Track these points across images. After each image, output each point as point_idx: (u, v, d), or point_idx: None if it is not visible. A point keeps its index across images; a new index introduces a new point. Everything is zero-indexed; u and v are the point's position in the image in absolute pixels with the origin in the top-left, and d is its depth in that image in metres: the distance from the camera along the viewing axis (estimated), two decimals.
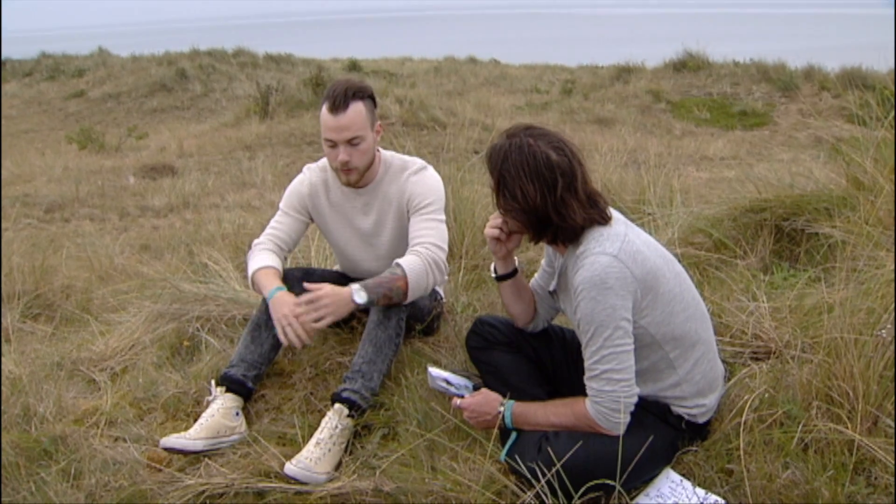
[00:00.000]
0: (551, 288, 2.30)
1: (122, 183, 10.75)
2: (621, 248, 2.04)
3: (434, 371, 2.47)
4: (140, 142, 14.23)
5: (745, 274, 2.98)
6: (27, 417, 2.82)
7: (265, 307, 2.73)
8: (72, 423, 2.78)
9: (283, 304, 2.49)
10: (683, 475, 2.18)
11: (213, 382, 2.66)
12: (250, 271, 2.74)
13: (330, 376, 2.83)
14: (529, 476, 1.98)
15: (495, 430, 2.33)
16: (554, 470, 1.94)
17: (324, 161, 2.89)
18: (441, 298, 3.05)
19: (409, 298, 2.59)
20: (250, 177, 11.34)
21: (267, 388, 2.81)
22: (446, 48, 29.36)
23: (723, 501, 2.07)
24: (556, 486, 1.96)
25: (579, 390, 2.32)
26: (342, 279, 3.01)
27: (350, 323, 3.02)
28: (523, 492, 2.09)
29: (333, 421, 2.43)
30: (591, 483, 1.95)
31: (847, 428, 2.11)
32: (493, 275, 2.47)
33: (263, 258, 2.76)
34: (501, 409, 2.24)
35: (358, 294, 2.48)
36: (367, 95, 2.66)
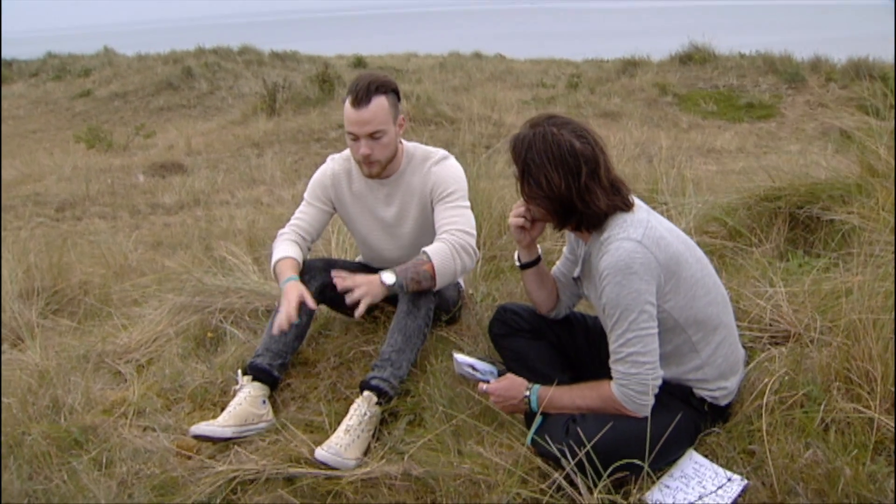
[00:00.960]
0: (575, 275, 2.34)
1: (132, 181, 10.82)
2: (645, 233, 2.08)
3: (460, 357, 2.51)
4: (148, 140, 14.30)
5: (762, 261, 3.01)
6: (56, 409, 2.88)
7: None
8: (100, 414, 2.83)
9: (290, 291, 2.59)
10: (706, 456, 2.22)
11: (239, 372, 2.70)
12: (273, 261, 2.80)
13: (354, 365, 2.88)
14: (559, 456, 2.01)
15: (521, 415, 2.39)
16: (584, 451, 1.97)
17: (347, 151, 2.93)
18: (462, 289, 3.09)
19: (440, 283, 2.62)
20: (259, 174, 11.41)
21: (292, 377, 2.85)
22: (451, 44, 29.35)
23: (746, 481, 2.11)
24: (586, 466, 1.99)
25: (602, 375, 2.36)
26: (364, 270, 3.05)
27: (373, 313, 3.07)
28: (550, 474, 2.13)
29: (362, 408, 2.48)
30: (620, 463, 1.99)
31: (867, 408, 2.15)
32: (517, 263, 2.51)
33: (285, 248, 2.81)
34: (527, 393, 2.28)
35: (386, 276, 2.53)
36: (390, 90, 2.70)
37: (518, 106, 15.43)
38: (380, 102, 2.65)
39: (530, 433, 2.27)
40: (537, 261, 2.49)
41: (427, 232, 2.90)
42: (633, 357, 2.07)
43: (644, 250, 2.05)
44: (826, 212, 3.18)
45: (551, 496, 2.05)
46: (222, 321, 3.28)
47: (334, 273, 2.51)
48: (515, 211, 2.36)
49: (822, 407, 2.19)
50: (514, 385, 2.32)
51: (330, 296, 2.94)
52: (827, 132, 13.04)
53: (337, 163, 2.96)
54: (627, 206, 2.16)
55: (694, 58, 17.87)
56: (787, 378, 2.30)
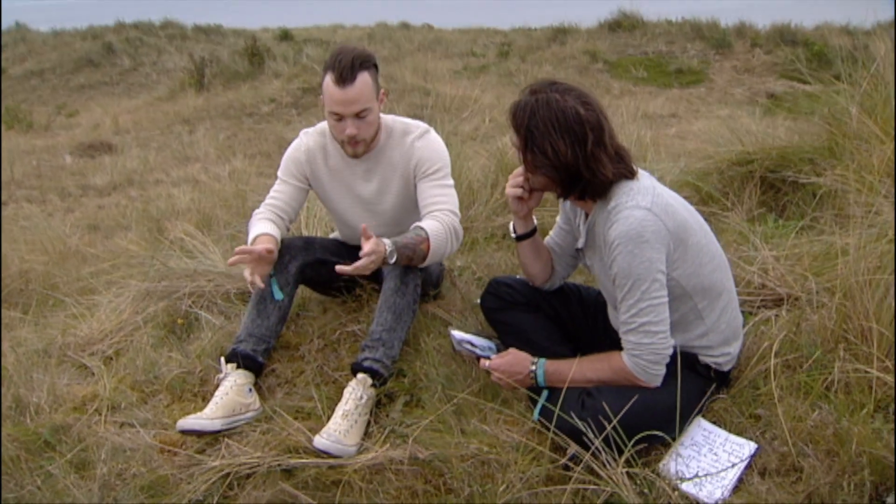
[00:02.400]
0: (579, 245, 2.28)
1: (59, 162, 10.31)
2: (653, 201, 2.04)
3: (457, 334, 2.44)
4: (71, 119, 13.64)
5: (742, 225, 3.02)
6: (20, 409, 2.68)
7: (268, 279, 2.65)
8: (71, 412, 2.65)
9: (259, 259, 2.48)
10: (714, 422, 2.22)
11: (222, 360, 2.57)
12: (249, 238, 2.65)
13: (340, 347, 2.78)
14: (583, 431, 1.96)
15: (522, 390, 2.34)
16: (612, 425, 1.93)
17: (322, 125, 2.79)
18: (443, 264, 3.01)
19: (427, 263, 2.53)
20: (193, 151, 11.05)
21: (276, 361, 2.73)
22: (378, 14, 28.86)
23: (756, 445, 2.12)
24: (612, 439, 1.95)
25: (599, 346, 2.34)
26: (342, 248, 2.94)
27: (354, 291, 2.96)
28: (561, 449, 2.09)
29: (358, 391, 2.38)
30: (642, 434, 1.96)
31: (867, 367, 2.18)
32: (513, 234, 2.44)
33: (260, 227, 2.67)
34: (533, 367, 2.23)
35: (389, 244, 2.38)
36: (372, 64, 2.56)
37: (450, 75, 15.28)
38: (364, 79, 2.50)
39: (537, 408, 2.23)
40: (533, 232, 2.43)
41: (408, 209, 2.80)
42: (646, 327, 2.03)
43: (654, 218, 2.01)
44: (799, 175, 3.22)
45: (574, 472, 2.01)
46: (192, 306, 3.12)
47: (338, 269, 2.34)
48: (513, 181, 2.29)
49: (824, 368, 2.21)
50: (518, 360, 2.27)
51: (310, 275, 2.83)
52: (755, 97, 13.40)
53: (311, 137, 2.81)
54: (632, 174, 2.11)
55: (623, 25, 18.00)
56: (787, 341, 2.31)
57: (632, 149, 4.35)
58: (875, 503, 1.93)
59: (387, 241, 2.40)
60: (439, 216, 2.57)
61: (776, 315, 2.50)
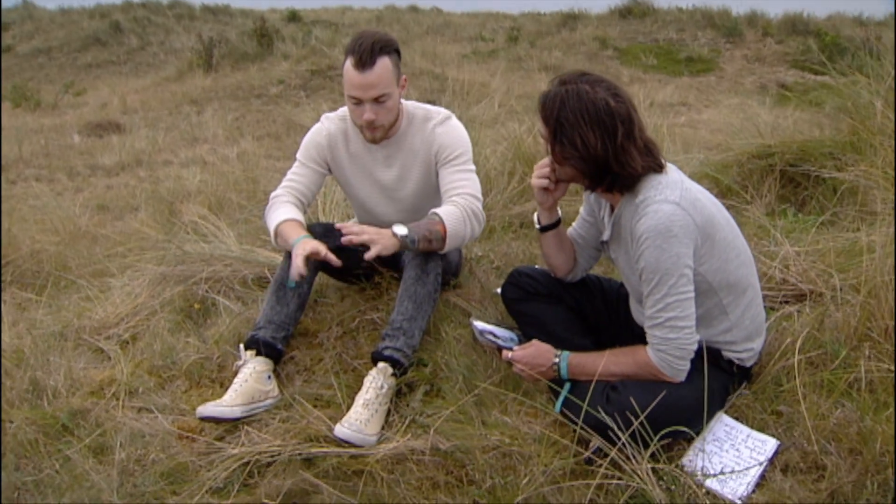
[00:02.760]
0: (605, 237, 2.26)
1: (67, 141, 10.29)
2: (682, 195, 2.02)
3: (479, 324, 2.43)
4: (78, 98, 13.60)
5: (762, 219, 3.00)
6: (37, 392, 2.69)
7: (288, 265, 2.64)
8: (88, 396, 2.65)
9: (311, 242, 2.43)
10: (736, 418, 2.21)
11: (241, 346, 2.56)
12: (273, 224, 2.62)
13: (359, 334, 2.76)
14: (611, 426, 1.95)
15: (544, 382, 2.33)
16: (639, 420, 1.92)
17: (343, 110, 2.77)
18: (462, 252, 3.00)
19: (449, 246, 2.51)
20: (201, 132, 11.04)
21: (294, 349, 2.72)
22: None
23: (778, 442, 2.11)
24: (637, 434, 1.94)
25: (621, 338, 2.33)
26: None
27: (374, 279, 2.95)
28: (584, 442, 2.09)
29: (378, 380, 2.37)
30: (669, 430, 1.95)
31: (892, 366, 2.16)
32: (537, 226, 2.42)
33: (286, 210, 2.64)
34: (556, 359, 2.22)
35: (398, 227, 2.40)
36: (392, 49, 2.53)
37: (458, 60, 15.23)
38: (384, 64, 2.48)
39: (559, 401, 2.22)
40: (558, 223, 2.41)
41: (428, 195, 2.78)
42: (672, 322, 2.02)
43: (683, 213, 1.99)
44: (820, 169, 3.19)
45: (598, 466, 2.00)
46: (208, 291, 3.11)
47: (344, 229, 2.35)
48: (539, 172, 2.26)
49: (848, 366, 2.20)
50: (540, 352, 2.26)
51: (328, 266, 2.81)
52: (765, 86, 13.32)
53: (332, 122, 2.79)
54: (660, 167, 2.09)
55: (633, 11, 17.94)
56: (810, 338, 2.30)
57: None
58: None
59: (401, 227, 2.39)
60: (457, 200, 2.56)
61: (798, 311, 2.49)
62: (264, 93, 13.07)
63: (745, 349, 2.22)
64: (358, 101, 2.53)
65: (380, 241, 2.34)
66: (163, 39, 18.93)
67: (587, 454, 2.04)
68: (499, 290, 2.95)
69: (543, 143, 2.16)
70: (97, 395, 2.65)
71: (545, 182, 2.25)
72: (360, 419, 2.26)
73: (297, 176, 2.77)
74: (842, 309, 2.33)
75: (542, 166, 2.25)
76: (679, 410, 2.00)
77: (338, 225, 2.41)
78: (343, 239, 2.35)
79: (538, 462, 2.06)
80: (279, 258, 3.26)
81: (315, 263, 2.69)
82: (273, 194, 2.74)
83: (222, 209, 5.06)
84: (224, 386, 2.60)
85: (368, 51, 2.44)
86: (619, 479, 1.88)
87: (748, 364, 2.25)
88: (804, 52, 14.60)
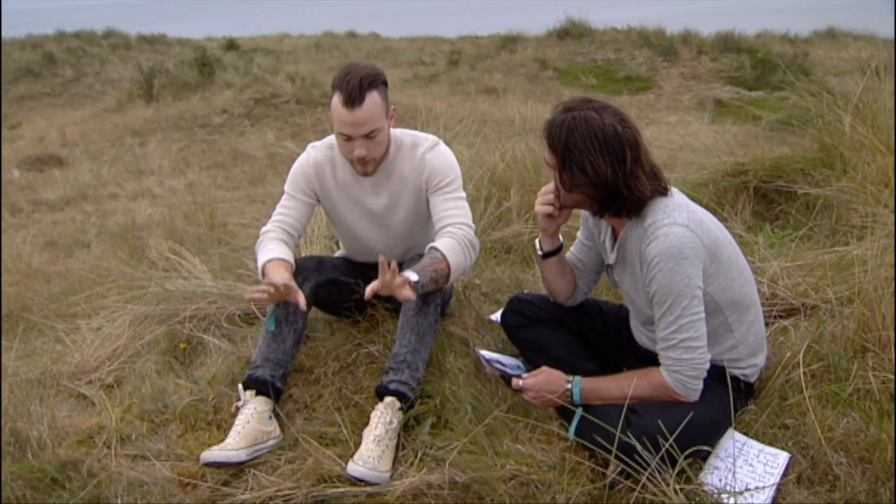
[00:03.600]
0: (611, 261, 2.28)
1: (6, 177, 9.91)
2: (689, 217, 2.06)
3: (486, 354, 2.42)
4: (14, 132, 13.15)
5: (745, 235, 3.08)
6: (20, 444, 2.54)
7: (272, 307, 2.59)
8: (76, 446, 2.52)
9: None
10: (745, 434, 2.24)
11: (240, 387, 2.49)
12: (260, 263, 2.57)
13: (357, 369, 2.71)
14: (643, 448, 1.95)
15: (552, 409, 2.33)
16: (669, 442, 1.93)
17: (329, 139, 2.74)
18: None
19: (451, 279, 2.50)
20: (146, 164, 10.85)
21: (291, 386, 2.65)
22: (324, 23, 28.80)
23: (788, 455, 2.14)
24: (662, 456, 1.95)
25: (624, 361, 2.36)
26: (351, 267, 2.89)
27: (366, 311, 2.91)
28: (602, 466, 2.09)
29: (387, 415, 2.33)
30: (694, 449, 1.97)
31: (891, 375, 2.23)
32: (540, 252, 2.43)
33: (273, 249, 2.59)
34: (569, 385, 2.22)
35: (410, 274, 2.34)
36: (380, 82, 2.51)
37: (401, 84, 15.30)
38: (373, 99, 2.46)
39: (572, 427, 2.21)
40: (559, 249, 2.42)
41: (419, 221, 2.77)
42: (686, 342, 2.04)
43: (692, 235, 2.02)
44: (792, 185, 3.29)
45: (620, 489, 2.00)
46: (193, 330, 3.02)
47: (368, 295, 2.28)
48: (543, 198, 2.28)
49: (849, 378, 2.26)
50: (552, 378, 2.26)
51: (323, 296, 2.77)
52: (703, 103, 13.75)
53: (319, 151, 2.76)
54: (666, 191, 2.13)
55: (571, 33, 18.30)
56: (809, 351, 2.35)
57: None
58: None
59: (411, 273, 2.37)
60: (453, 231, 2.55)
61: (792, 325, 2.55)
62: (208, 122, 12.88)
63: (749, 365, 2.26)
64: (348, 138, 2.51)
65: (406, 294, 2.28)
66: (98, 70, 18.49)
67: (612, 477, 2.04)
68: (493, 318, 2.96)
69: (548, 171, 2.17)
70: (86, 443, 2.53)
71: (549, 209, 2.26)
72: (372, 456, 2.22)
73: (285, 209, 2.72)
74: (838, 321, 2.40)
75: (546, 193, 2.27)
76: (699, 429, 2.02)
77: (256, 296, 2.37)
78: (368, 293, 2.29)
79: (559, 489, 2.05)
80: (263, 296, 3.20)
81: (310, 298, 2.64)
82: (263, 230, 2.69)
83: (183, 243, 4.96)
84: (221, 428, 2.52)
85: (357, 88, 2.42)
86: (652, 500, 1.88)
87: (752, 380, 2.30)
88: (738, 69, 15.15)
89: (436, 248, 2.49)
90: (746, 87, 14.63)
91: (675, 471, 1.92)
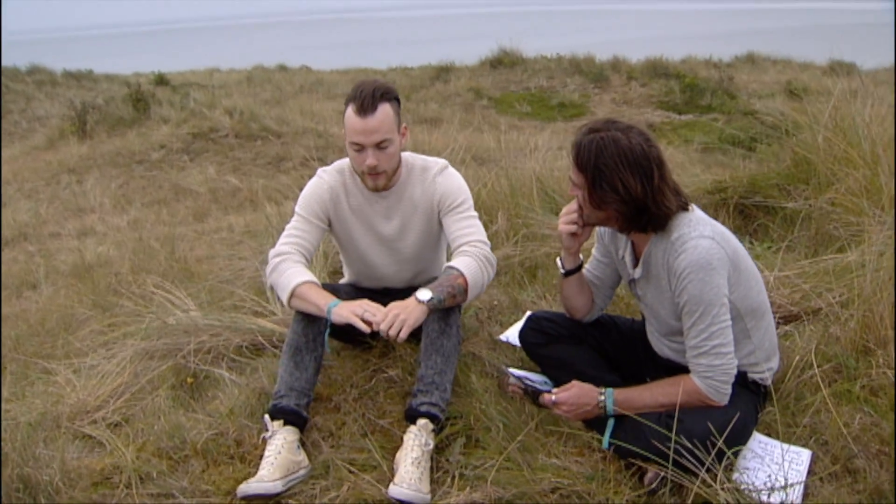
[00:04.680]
0: (636, 275, 2.36)
1: None
2: (713, 230, 2.16)
3: (516, 372, 2.46)
4: None
5: None
6: (30, 490, 2.44)
7: (301, 328, 2.58)
8: (92, 488, 2.44)
9: (355, 304, 2.42)
10: (767, 434, 2.34)
11: (266, 417, 2.46)
12: (289, 285, 2.53)
13: (378, 394, 2.72)
14: (691, 456, 2.01)
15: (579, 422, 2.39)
16: (719, 444, 2.00)
17: (339, 164, 2.78)
18: None
19: (470, 297, 2.55)
20: (86, 201, 10.58)
21: (313, 415, 2.63)
22: (254, 58, 28.73)
23: (810, 452, 2.25)
24: (702, 460, 2.02)
25: (645, 371, 2.43)
26: (358, 294, 2.90)
27: (380, 337, 2.91)
28: (639, 474, 2.16)
29: (421, 437, 2.34)
30: (735, 449, 2.05)
31: (889, 371, 2.38)
32: (562, 270, 2.50)
33: (301, 272, 2.58)
34: (602, 398, 2.28)
35: (422, 293, 2.43)
36: (393, 97, 2.58)
37: (337, 117, 15.31)
38: (385, 110, 2.53)
39: (606, 436, 2.27)
40: (580, 266, 2.50)
41: (429, 245, 2.82)
42: (717, 349, 2.14)
43: (718, 246, 2.12)
44: (769, 199, 3.47)
45: (661, 495, 2.07)
46: (199, 364, 2.96)
47: (373, 323, 2.36)
48: (567, 218, 2.35)
49: (857, 376, 2.40)
50: (584, 391, 2.32)
51: (340, 325, 2.76)
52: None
53: (331, 176, 2.77)
54: (687, 206, 2.23)
55: (504, 62, 18.68)
56: (818, 353, 2.48)
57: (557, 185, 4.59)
58: None
59: (425, 291, 2.43)
60: (468, 249, 2.61)
61: (795, 330, 2.68)
62: (146, 158, 12.62)
63: (766, 369, 2.37)
64: (360, 148, 2.55)
65: (410, 317, 2.36)
66: (24, 107, 17.90)
67: (654, 483, 2.10)
68: (503, 338, 3.01)
69: (574, 190, 2.25)
70: (104, 485, 2.44)
71: (574, 228, 2.34)
72: (413, 478, 2.22)
73: (300, 231, 2.71)
74: (840, 324, 2.54)
75: (570, 212, 2.34)
76: (733, 432, 2.11)
77: (367, 316, 2.39)
78: (381, 331, 2.35)
79: (603, 499, 2.10)
80: (268, 325, 3.17)
81: (332, 326, 2.64)
82: (277, 251, 2.66)
83: (136, 279, 4.87)
84: (245, 461, 2.48)
85: (370, 97, 2.49)
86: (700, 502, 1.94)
87: (768, 383, 2.40)
88: (667, 94, 15.72)
89: (452, 266, 2.54)
90: (676, 111, 15.14)
91: (721, 470, 2.00)
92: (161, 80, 21.65)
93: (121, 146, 13.01)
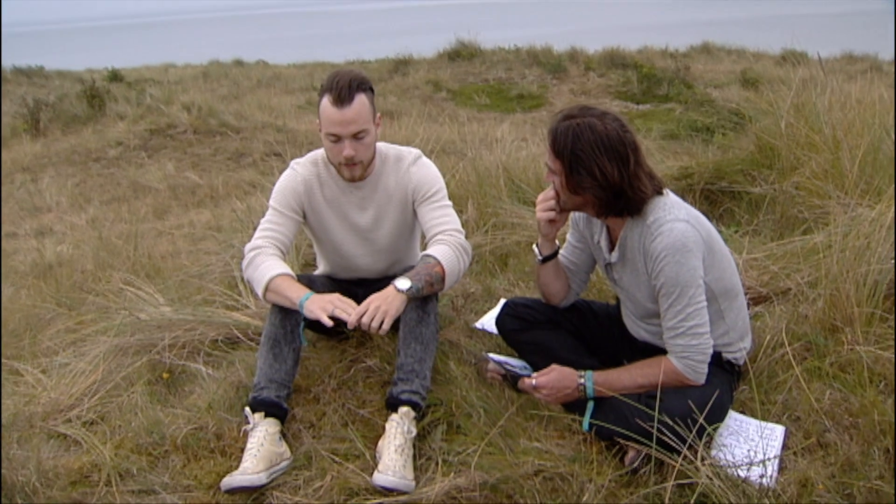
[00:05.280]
0: (612, 260, 2.40)
1: None
2: (688, 213, 2.21)
3: (495, 357, 2.48)
4: None
5: None
6: (7, 492, 2.40)
7: (279, 320, 2.57)
8: (70, 487, 2.40)
9: (327, 299, 2.40)
10: (741, 412, 2.41)
11: (247, 410, 2.45)
12: (264, 278, 2.52)
13: (356, 384, 2.72)
14: (672, 434, 2.05)
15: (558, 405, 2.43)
16: (697, 424, 2.05)
17: (312, 156, 2.77)
18: None
19: (447, 285, 2.56)
20: (42, 200, 10.35)
21: (293, 407, 2.62)
22: (209, 52, 28.36)
23: (784, 428, 2.32)
24: (683, 437, 2.07)
25: (621, 354, 2.48)
26: (336, 286, 2.90)
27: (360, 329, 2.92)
28: (621, 453, 2.20)
29: (404, 425, 2.35)
30: (715, 426, 2.10)
31: (859, 346, 2.46)
32: (539, 257, 2.53)
33: (277, 264, 2.57)
34: (581, 380, 2.32)
35: (400, 282, 2.43)
36: (368, 87, 2.58)
37: (295, 111, 15.21)
38: (361, 100, 2.53)
39: (586, 418, 2.32)
40: (557, 252, 2.53)
41: (403, 235, 2.83)
42: (694, 329, 2.19)
43: (693, 229, 2.17)
44: (735, 185, 3.54)
45: (643, 474, 2.11)
46: (174, 359, 2.93)
47: (353, 316, 2.36)
48: (543, 204, 2.37)
49: (826, 353, 2.47)
50: (564, 375, 2.35)
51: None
52: None
53: (305, 168, 2.76)
54: (661, 190, 2.27)
55: (462, 54, 18.69)
56: (789, 331, 2.55)
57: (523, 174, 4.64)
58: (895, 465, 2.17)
59: (403, 280, 2.43)
60: (444, 238, 2.62)
61: (765, 311, 2.75)
62: (103, 156, 12.38)
63: (739, 349, 2.43)
64: (337, 139, 2.55)
65: (391, 308, 2.37)
66: None
67: (636, 462, 2.14)
68: (478, 325, 3.04)
69: (550, 176, 2.28)
70: (82, 483, 2.40)
71: (552, 214, 2.37)
72: (396, 465, 2.23)
73: (275, 225, 2.69)
74: (810, 304, 2.61)
75: (547, 199, 2.36)
76: (712, 410, 2.16)
77: (337, 313, 2.37)
78: (362, 325, 2.36)
79: (586, 480, 2.14)
80: (242, 318, 3.15)
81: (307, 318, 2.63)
82: (252, 245, 2.64)
83: (101, 276, 4.80)
84: (227, 455, 2.47)
85: (347, 87, 2.48)
86: (689, 477, 1.98)
87: (742, 362, 2.47)
88: (625, 84, 15.89)
89: (428, 255, 2.55)
90: (634, 100, 15.30)
91: (702, 447, 2.04)
92: (115, 76, 21.23)
93: (76, 144, 12.74)
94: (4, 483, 2.42)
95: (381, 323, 2.33)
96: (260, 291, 2.55)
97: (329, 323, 2.35)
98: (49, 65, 22.92)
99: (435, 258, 2.54)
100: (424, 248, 2.70)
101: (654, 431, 2.05)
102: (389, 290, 2.43)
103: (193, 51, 34.97)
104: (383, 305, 2.37)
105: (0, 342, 2.68)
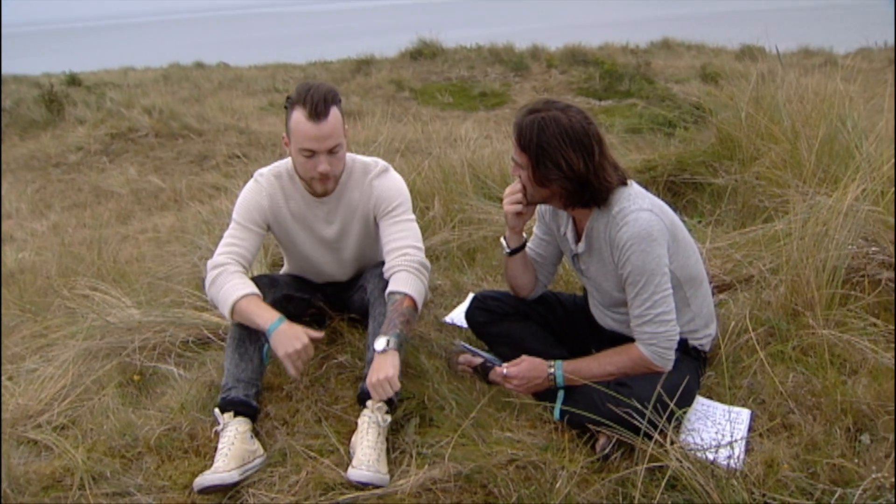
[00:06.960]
0: (579, 250, 2.44)
1: None
2: (652, 203, 2.26)
3: (467, 346, 2.51)
4: None
5: None
6: None
7: (264, 345, 2.58)
8: (42, 492, 2.37)
9: (294, 339, 2.40)
10: (708, 397, 2.47)
11: (216, 411, 2.44)
12: (230, 299, 2.49)
13: (329, 381, 2.73)
14: (642, 419, 2.09)
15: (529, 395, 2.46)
16: (672, 404, 2.09)
17: (275, 169, 2.73)
18: None
19: (419, 310, 2.58)
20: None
21: (265, 404, 2.62)
22: (169, 55, 27.97)
23: (750, 411, 2.38)
24: (652, 422, 2.11)
25: (589, 343, 2.53)
26: (302, 283, 2.91)
27: (325, 323, 2.93)
28: (591, 440, 2.25)
29: (375, 419, 2.36)
30: (683, 410, 2.15)
31: (821, 330, 2.54)
32: (507, 250, 2.56)
33: (242, 284, 2.54)
34: (551, 370, 2.36)
35: (378, 343, 2.39)
36: (339, 99, 2.55)
37: (258, 113, 15.11)
38: (335, 114, 2.49)
39: (557, 407, 2.36)
40: (524, 245, 2.57)
41: (369, 246, 2.83)
42: (660, 316, 2.24)
43: (657, 218, 2.22)
44: (697, 176, 3.62)
45: (613, 460, 2.16)
46: (145, 361, 2.91)
47: (297, 365, 2.43)
48: (511, 198, 2.40)
49: (788, 337, 2.54)
50: (534, 365, 2.39)
51: (280, 312, 2.75)
52: None
53: (269, 181, 2.72)
54: (625, 181, 2.32)
55: (423, 53, 18.68)
56: (752, 317, 2.62)
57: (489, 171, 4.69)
58: (855, 443, 2.24)
59: (379, 340, 2.40)
60: (401, 261, 2.59)
61: (729, 298, 2.82)
62: (63, 161, 12.19)
63: (705, 335, 2.49)
64: (311, 154, 2.51)
65: (387, 371, 2.33)
66: None
67: (607, 448, 2.18)
68: (448, 319, 3.06)
69: (517, 170, 2.31)
70: (55, 488, 2.38)
71: (519, 207, 2.40)
72: (370, 459, 2.25)
73: (238, 240, 2.65)
74: (772, 290, 2.68)
75: (514, 192, 2.39)
76: (681, 395, 2.21)
77: (292, 370, 2.43)
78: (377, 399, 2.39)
79: (558, 467, 2.18)
80: (212, 318, 3.14)
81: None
82: (214, 262, 2.59)
83: (66, 282, 4.73)
84: (200, 455, 2.46)
85: (322, 101, 2.44)
86: (659, 461, 2.03)
87: (707, 349, 2.53)
88: (587, 80, 16.01)
89: (392, 292, 2.53)
90: (596, 96, 15.42)
91: (671, 429, 2.09)
92: (73, 80, 20.80)
93: (35, 149, 12.55)
94: None
95: (391, 385, 2.33)
96: (226, 312, 2.53)
97: (292, 372, 2.43)
98: (3, 69, 22.43)
99: (400, 293, 2.52)
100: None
101: (624, 416, 2.09)
102: (375, 359, 2.39)
103: (153, 54, 34.51)
104: (381, 373, 2.33)
105: (0, 342, 2.63)
